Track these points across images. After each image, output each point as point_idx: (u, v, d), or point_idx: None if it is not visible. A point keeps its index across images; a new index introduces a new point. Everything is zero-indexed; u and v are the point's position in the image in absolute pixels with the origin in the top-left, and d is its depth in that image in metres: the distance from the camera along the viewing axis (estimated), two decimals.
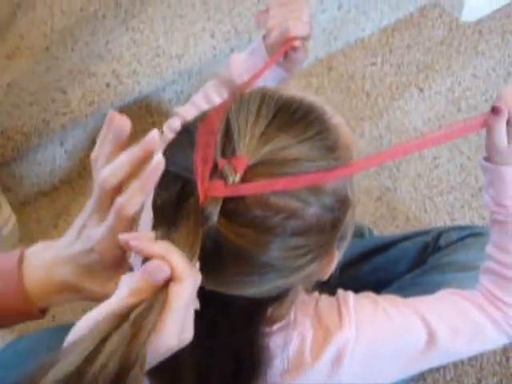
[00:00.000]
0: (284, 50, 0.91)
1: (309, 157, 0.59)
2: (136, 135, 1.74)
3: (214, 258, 0.57)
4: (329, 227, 0.62)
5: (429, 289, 1.15)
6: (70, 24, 1.54)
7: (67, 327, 1.04)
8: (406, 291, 1.12)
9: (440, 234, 1.18)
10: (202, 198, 0.55)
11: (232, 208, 0.56)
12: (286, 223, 0.58)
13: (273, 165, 0.58)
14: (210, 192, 0.55)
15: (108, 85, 1.42)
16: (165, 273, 0.50)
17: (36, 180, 1.51)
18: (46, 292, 0.59)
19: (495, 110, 0.75)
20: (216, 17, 1.53)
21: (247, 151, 0.57)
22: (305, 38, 0.93)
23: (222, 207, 0.56)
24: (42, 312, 0.61)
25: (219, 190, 0.55)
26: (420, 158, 1.57)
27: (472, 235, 1.16)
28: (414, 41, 1.80)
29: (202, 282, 0.54)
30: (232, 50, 1.52)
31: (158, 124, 1.60)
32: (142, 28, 1.52)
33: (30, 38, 1.51)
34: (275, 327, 0.74)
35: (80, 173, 1.56)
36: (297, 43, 0.91)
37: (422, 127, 1.63)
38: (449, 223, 1.46)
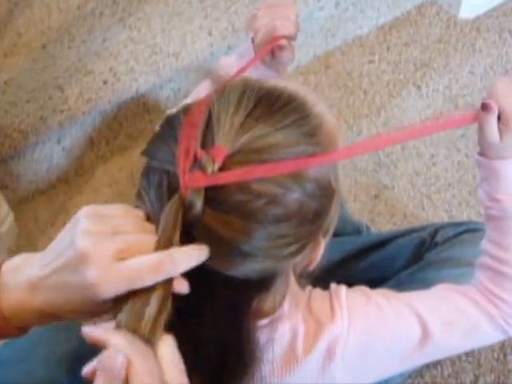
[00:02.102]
0: (270, 48, 0.92)
1: (287, 143, 0.60)
2: (133, 133, 1.75)
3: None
4: (312, 216, 0.62)
5: (426, 285, 1.15)
6: (67, 22, 1.54)
7: (66, 325, 1.04)
8: (403, 287, 1.12)
9: (436, 230, 1.18)
10: (183, 189, 0.56)
11: (214, 196, 0.57)
12: (268, 209, 0.58)
13: (250, 153, 0.58)
14: (191, 183, 0.56)
15: (105, 82, 1.42)
16: (120, 362, 0.49)
17: (33, 178, 1.51)
18: (24, 315, 0.57)
19: (485, 107, 0.75)
20: (213, 14, 1.53)
21: (226, 141, 0.58)
22: (291, 38, 0.93)
23: (204, 196, 0.56)
24: (21, 330, 0.59)
25: (199, 180, 0.56)
26: (417, 155, 1.57)
27: (468, 231, 1.17)
28: (411, 38, 1.80)
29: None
30: (229, 48, 1.52)
31: (155, 121, 1.60)
32: (139, 26, 1.52)
33: (27, 36, 1.51)
34: (266, 321, 0.74)
35: (77, 170, 1.56)
36: (282, 42, 0.91)
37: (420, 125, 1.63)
38: (446, 220, 1.46)
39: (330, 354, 0.77)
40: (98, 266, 0.52)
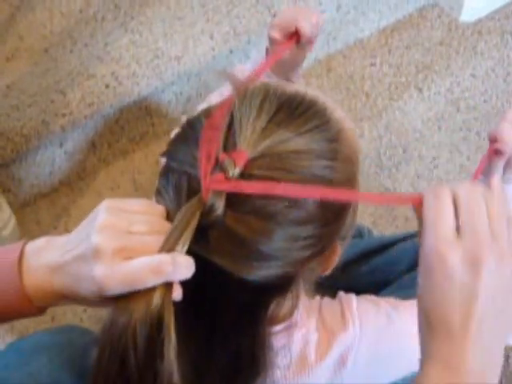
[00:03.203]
0: (287, 46, 0.92)
1: (308, 149, 0.60)
2: (135, 136, 1.75)
3: (221, 243, 0.58)
4: (331, 220, 0.62)
5: None
6: (69, 26, 1.54)
7: (67, 328, 1.04)
8: (405, 291, 1.12)
9: None
10: (204, 192, 0.56)
11: (234, 198, 0.57)
12: (288, 211, 0.58)
13: (272, 158, 0.59)
14: (212, 185, 0.56)
15: (107, 86, 1.42)
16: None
17: (35, 181, 1.51)
18: (44, 295, 0.58)
19: (497, 152, 0.76)
20: (215, 18, 1.54)
21: (247, 145, 0.58)
22: (310, 39, 0.94)
23: (226, 198, 0.57)
24: (41, 309, 0.60)
25: (220, 182, 0.57)
26: (419, 158, 1.58)
27: None
28: (412, 41, 1.81)
29: (214, 258, 0.58)
30: (231, 52, 1.52)
31: (157, 126, 1.60)
32: (141, 30, 1.52)
33: (29, 40, 1.52)
34: (280, 327, 0.74)
35: (79, 174, 1.57)
36: (304, 36, 0.92)
37: (421, 127, 1.63)
38: None
39: (341, 362, 0.77)
40: (106, 264, 0.53)
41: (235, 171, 0.57)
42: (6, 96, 1.40)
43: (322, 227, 0.62)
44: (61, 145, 1.48)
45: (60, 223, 1.49)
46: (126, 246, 0.54)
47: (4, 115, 1.36)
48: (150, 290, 0.52)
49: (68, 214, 1.51)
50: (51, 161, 1.49)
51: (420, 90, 1.70)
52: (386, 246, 1.20)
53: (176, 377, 0.51)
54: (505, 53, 1.77)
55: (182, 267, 0.53)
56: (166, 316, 0.52)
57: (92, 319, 1.31)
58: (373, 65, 1.76)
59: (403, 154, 1.58)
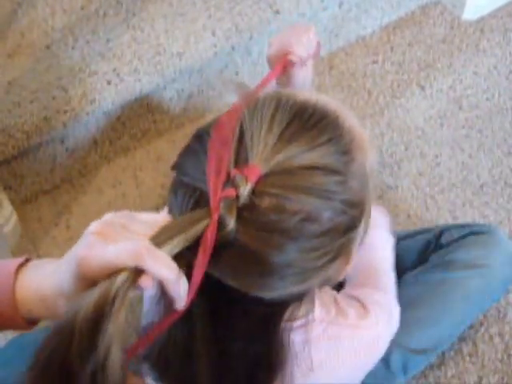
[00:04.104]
0: (282, 65, 0.94)
1: (321, 163, 0.59)
2: (136, 133, 1.75)
3: (234, 262, 0.57)
4: (344, 229, 0.61)
5: (430, 286, 1.16)
6: (70, 22, 1.54)
7: None
8: (407, 289, 1.13)
9: (442, 231, 1.19)
10: (213, 208, 0.55)
11: (247, 214, 0.56)
12: (302, 226, 0.57)
13: (284, 174, 0.58)
14: (222, 201, 0.55)
15: (109, 83, 1.42)
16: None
17: (37, 178, 1.51)
18: (31, 303, 0.58)
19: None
20: (217, 15, 1.53)
21: (259, 160, 0.57)
22: (306, 58, 0.95)
23: (237, 214, 0.56)
24: (30, 323, 0.60)
25: (231, 198, 0.55)
26: (421, 155, 1.57)
27: (473, 233, 1.17)
28: (415, 39, 1.80)
29: (227, 280, 0.56)
30: (233, 48, 1.52)
31: (158, 122, 1.60)
32: (142, 26, 1.52)
33: (30, 37, 1.51)
34: (298, 323, 0.74)
35: (81, 171, 1.56)
36: (292, 58, 0.93)
37: (423, 125, 1.63)
38: (450, 221, 1.46)
39: (368, 353, 0.80)
40: (89, 245, 0.52)
41: (247, 187, 0.56)
42: (7, 92, 1.40)
43: (336, 237, 0.61)
44: (62, 141, 1.48)
45: (61, 220, 1.49)
46: (114, 237, 0.53)
47: (5, 111, 1.36)
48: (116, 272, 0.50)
49: (69, 210, 1.51)
50: (52, 157, 1.49)
51: (422, 88, 1.70)
52: None
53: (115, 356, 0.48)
54: (507, 50, 1.77)
55: (159, 260, 0.51)
56: (119, 297, 0.49)
57: None
58: (375, 62, 1.76)
59: (405, 151, 1.58)
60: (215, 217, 0.54)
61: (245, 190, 0.56)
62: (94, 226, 0.53)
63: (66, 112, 1.38)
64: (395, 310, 0.93)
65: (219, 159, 0.58)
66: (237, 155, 0.58)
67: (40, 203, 1.53)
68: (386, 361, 1.05)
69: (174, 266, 0.52)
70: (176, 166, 0.63)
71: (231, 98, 1.63)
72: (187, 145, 0.64)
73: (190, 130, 1.62)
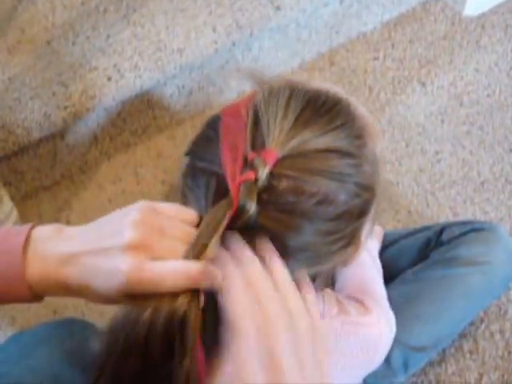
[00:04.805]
0: None
1: (335, 146, 0.61)
2: (137, 129, 1.74)
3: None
4: (358, 213, 0.63)
5: (431, 284, 1.15)
6: (71, 18, 1.54)
7: (68, 322, 1.04)
8: (407, 286, 1.13)
9: (443, 228, 1.19)
10: (234, 193, 0.56)
11: (266, 196, 0.58)
12: (318, 208, 0.59)
13: (300, 157, 0.59)
14: (243, 185, 0.56)
15: (109, 79, 1.42)
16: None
17: (37, 174, 1.51)
18: (47, 284, 0.57)
19: None
20: (217, 11, 1.53)
21: (276, 144, 0.59)
22: None
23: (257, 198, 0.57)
24: (38, 297, 0.59)
25: (250, 181, 0.57)
26: (422, 152, 1.57)
27: (474, 230, 1.17)
28: (416, 35, 1.80)
29: None
30: (233, 45, 1.51)
31: (159, 119, 1.59)
32: (143, 22, 1.52)
33: (31, 32, 1.51)
34: None
35: (81, 167, 1.56)
36: None
37: (424, 122, 1.63)
38: (451, 218, 1.45)
39: (369, 352, 0.80)
40: (136, 260, 0.52)
41: (265, 170, 0.57)
42: (7, 88, 1.40)
43: (350, 222, 0.62)
44: (62, 137, 1.48)
45: (62, 216, 1.49)
46: (155, 248, 0.53)
47: (6, 108, 1.36)
48: (176, 293, 0.52)
49: (70, 207, 1.51)
50: (53, 154, 1.49)
51: (423, 84, 1.70)
52: (388, 243, 1.20)
53: (193, 377, 0.50)
54: (508, 47, 1.76)
55: (212, 277, 0.53)
56: (190, 318, 0.51)
57: (93, 313, 1.31)
58: (376, 59, 1.76)
59: (406, 148, 1.58)
60: (236, 202, 0.56)
61: (263, 173, 0.57)
62: (132, 233, 0.54)
63: (66, 108, 1.38)
64: (392, 315, 0.94)
65: (235, 146, 0.59)
66: (253, 140, 0.60)
67: (40, 199, 1.53)
68: (386, 358, 1.04)
69: (220, 275, 0.54)
70: (190, 152, 0.64)
71: (232, 95, 1.63)
72: (201, 132, 0.66)
73: (190, 127, 1.62)
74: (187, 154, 0.65)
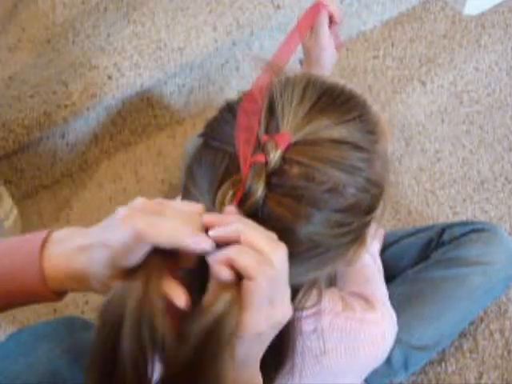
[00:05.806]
0: (315, 9, 0.97)
1: (349, 138, 0.61)
2: (137, 128, 1.74)
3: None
4: (366, 208, 0.63)
5: (431, 284, 1.16)
6: (71, 17, 1.54)
7: (68, 320, 1.04)
8: (408, 286, 1.14)
9: (444, 229, 1.19)
10: (244, 175, 0.57)
11: (276, 180, 0.58)
12: (328, 197, 0.59)
13: (314, 146, 0.59)
14: (252, 167, 0.57)
15: (110, 77, 1.42)
16: (225, 277, 0.53)
17: (37, 173, 1.51)
18: (61, 278, 0.58)
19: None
20: (218, 10, 1.53)
21: (290, 128, 0.59)
22: (334, 18, 0.99)
23: (266, 180, 0.58)
24: (59, 295, 0.61)
25: (260, 164, 0.57)
26: (422, 151, 1.57)
27: (475, 231, 1.17)
28: (416, 34, 1.80)
29: None
30: (234, 43, 1.51)
31: (159, 117, 1.59)
32: (143, 21, 1.52)
33: (31, 31, 1.51)
34: (308, 312, 0.75)
35: (81, 166, 1.56)
36: (323, 8, 0.97)
37: (424, 120, 1.63)
38: (451, 217, 1.46)
39: (373, 349, 0.80)
40: (142, 219, 0.54)
41: (277, 154, 0.57)
42: (8, 87, 1.40)
43: (358, 216, 0.62)
44: (63, 136, 1.48)
45: (62, 215, 1.49)
46: (155, 222, 0.54)
47: (6, 106, 1.36)
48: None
49: (70, 205, 1.51)
50: (53, 152, 1.49)
51: (423, 83, 1.70)
52: (390, 243, 1.20)
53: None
54: (508, 46, 1.76)
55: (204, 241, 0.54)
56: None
57: (94, 312, 1.31)
58: (376, 58, 1.76)
59: (406, 147, 1.58)
60: (244, 181, 0.57)
61: (275, 156, 0.57)
62: (124, 209, 0.55)
63: (66, 106, 1.38)
64: (393, 314, 0.94)
65: (250, 128, 0.59)
66: (267, 124, 0.60)
67: (40, 198, 1.53)
68: (386, 357, 1.05)
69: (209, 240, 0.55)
70: (205, 134, 0.65)
71: (232, 93, 1.63)
72: (216, 115, 0.66)
73: (190, 125, 1.62)
74: (200, 135, 0.65)
